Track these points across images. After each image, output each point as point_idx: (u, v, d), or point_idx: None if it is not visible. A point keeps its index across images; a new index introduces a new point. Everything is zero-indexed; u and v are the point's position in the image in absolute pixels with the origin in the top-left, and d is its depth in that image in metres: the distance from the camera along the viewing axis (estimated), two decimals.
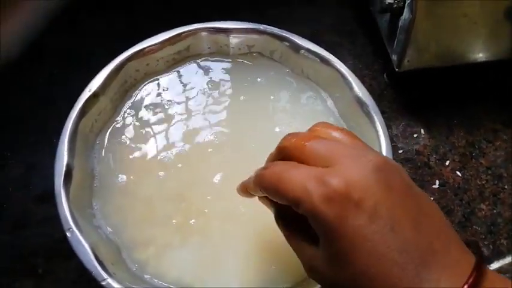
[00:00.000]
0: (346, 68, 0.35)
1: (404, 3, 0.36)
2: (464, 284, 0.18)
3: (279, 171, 0.22)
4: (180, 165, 0.34)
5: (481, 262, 0.19)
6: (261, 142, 0.34)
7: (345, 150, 0.21)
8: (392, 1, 0.37)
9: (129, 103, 0.36)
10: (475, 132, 0.41)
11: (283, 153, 0.23)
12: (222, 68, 0.38)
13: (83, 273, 0.27)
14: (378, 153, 0.22)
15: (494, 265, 0.36)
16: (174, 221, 0.31)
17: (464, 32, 0.38)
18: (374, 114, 0.33)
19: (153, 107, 0.36)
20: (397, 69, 0.40)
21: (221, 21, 0.37)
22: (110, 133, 0.35)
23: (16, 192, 0.37)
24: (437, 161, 0.40)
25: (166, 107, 0.36)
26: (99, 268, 0.27)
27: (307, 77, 0.37)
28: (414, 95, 0.43)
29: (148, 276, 0.30)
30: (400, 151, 0.40)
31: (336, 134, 0.23)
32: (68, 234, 0.27)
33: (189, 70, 0.38)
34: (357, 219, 0.19)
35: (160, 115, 0.36)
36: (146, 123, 0.36)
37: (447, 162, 0.40)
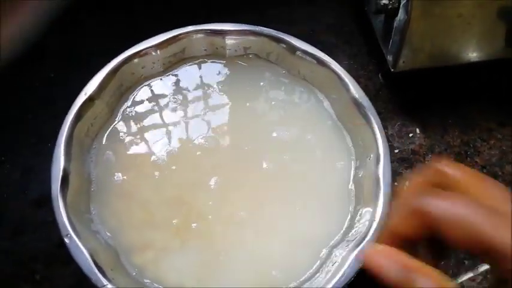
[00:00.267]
0: (342, 69, 0.35)
1: (399, 4, 0.36)
2: None
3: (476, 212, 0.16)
4: (177, 167, 0.33)
5: None
6: (257, 144, 0.34)
7: None
8: (387, 2, 0.37)
9: (125, 106, 0.36)
10: (469, 132, 0.42)
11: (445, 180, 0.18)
12: (218, 70, 0.38)
13: (82, 279, 0.27)
14: None
15: None
16: (174, 221, 0.31)
17: (458, 32, 0.38)
18: (371, 116, 0.33)
19: (149, 110, 0.36)
20: (392, 70, 0.40)
21: (217, 23, 0.36)
22: (106, 137, 0.35)
23: (13, 197, 0.37)
24: None
25: (162, 109, 0.36)
26: (98, 274, 0.26)
27: (303, 78, 0.37)
28: (409, 95, 0.43)
29: (148, 281, 0.29)
30: (396, 151, 0.41)
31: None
32: (66, 240, 0.27)
33: (185, 72, 0.38)
34: None
35: (157, 118, 0.36)
36: (142, 127, 0.35)
37: None
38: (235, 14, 0.40)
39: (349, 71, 0.35)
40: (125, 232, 0.31)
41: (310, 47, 0.36)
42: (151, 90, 0.37)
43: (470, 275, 0.36)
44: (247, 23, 0.37)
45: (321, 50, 0.36)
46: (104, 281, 0.26)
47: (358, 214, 0.31)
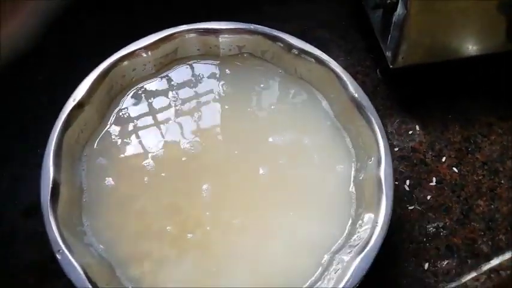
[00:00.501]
0: (340, 67, 0.34)
1: None
2: None
3: None
4: (171, 174, 0.32)
5: None
6: (254, 147, 0.33)
7: None
8: None
9: (116, 110, 0.35)
10: (470, 127, 0.41)
11: None
12: (212, 71, 0.36)
13: None
14: None
15: (494, 261, 0.36)
16: (171, 230, 0.30)
17: (458, 27, 0.37)
18: (371, 116, 0.32)
19: (141, 113, 0.35)
20: (391, 66, 0.39)
21: (210, 22, 0.35)
22: (98, 143, 0.33)
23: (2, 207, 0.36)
24: (434, 157, 0.40)
25: (154, 113, 0.35)
26: None
27: (300, 77, 0.36)
28: (407, 91, 0.42)
29: None
30: (396, 149, 0.40)
31: None
32: (58, 256, 0.26)
33: (178, 74, 0.36)
34: None
35: (149, 121, 0.35)
36: (134, 131, 0.34)
37: (443, 159, 0.39)
38: (235, 13, 0.39)
39: (346, 67, 0.34)
40: (119, 244, 0.30)
41: (306, 45, 0.34)
42: (143, 93, 0.35)
43: (473, 274, 0.35)
44: (245, 22, 0.35)
45: (316, 47, 0.35)
46: None
47: (360, 218, 0.30)
